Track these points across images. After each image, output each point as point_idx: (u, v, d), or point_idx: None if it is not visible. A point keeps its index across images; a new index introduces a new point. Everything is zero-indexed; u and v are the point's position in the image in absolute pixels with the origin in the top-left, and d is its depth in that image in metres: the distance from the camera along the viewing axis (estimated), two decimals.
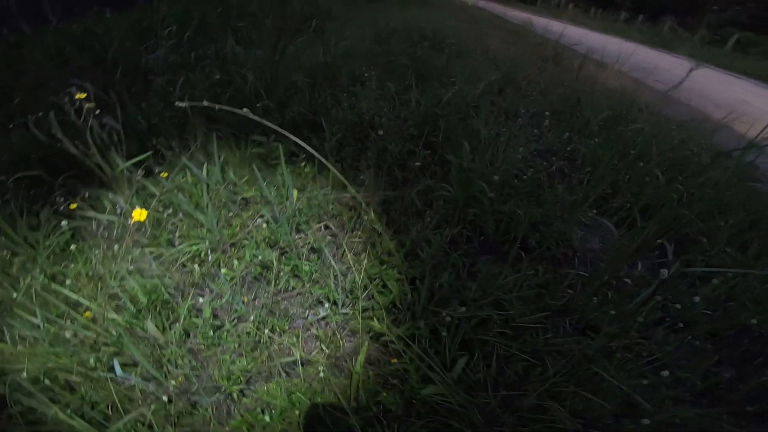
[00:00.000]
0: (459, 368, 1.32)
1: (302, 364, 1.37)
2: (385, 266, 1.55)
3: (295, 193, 1.69)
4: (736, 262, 1.68)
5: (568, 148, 2.17)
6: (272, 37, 3.36)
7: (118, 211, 1.76)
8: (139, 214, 1.27)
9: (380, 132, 2.05)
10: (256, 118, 1.21)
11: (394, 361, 1.34)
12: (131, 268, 1.56)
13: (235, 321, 1.51)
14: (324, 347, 1.45)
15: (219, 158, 1.85)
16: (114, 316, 1.39)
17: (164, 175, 1.75)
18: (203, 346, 1.42)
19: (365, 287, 1.56)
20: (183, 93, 1.87)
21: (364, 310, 1.52)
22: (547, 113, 2.52)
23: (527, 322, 1.34)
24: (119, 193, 1.82)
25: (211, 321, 1.47)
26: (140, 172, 1.78)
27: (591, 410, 1.16)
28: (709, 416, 1.15)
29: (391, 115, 2.28)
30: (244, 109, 1.25)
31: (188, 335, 1.44)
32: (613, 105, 3.17)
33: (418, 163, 1.90)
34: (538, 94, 3.18)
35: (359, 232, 1.67)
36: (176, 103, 1.26)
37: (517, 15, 13.81)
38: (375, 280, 1.55)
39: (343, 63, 3.21)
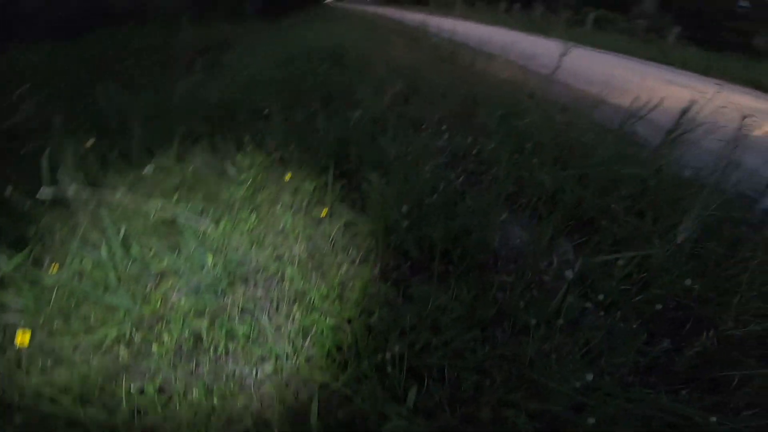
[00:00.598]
0: (412, 398, 1.29)
1: (263, 424, 1.28)
2: (318, 313, 1.47)
3: (209, 257, 1.54)
4: (638, 231, 1.82)
5: (474, 152, 2.25)
6: (162, 76, 3.08)
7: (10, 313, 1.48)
8: (22, 336, 1.07)
9: (290, 173, 1.96)
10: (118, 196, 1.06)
11: (341, 409, 1.27)
12: (49, 362, 1.35)
13: (183, 392, 1.37)
14: (277, 404, 1.35)
15: (119, 233, 1.63)
16: (47, 409, 1.21)
17: (54, 269, 1.50)
18: (157, 422, 1.26)
19: (304, 337, 1.47)
20: (53, 165, 1.60)
21: (308, 359, 1.44)
22: (451, 118, 2.61)
23: (465, 339, 1.35)
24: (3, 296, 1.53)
25: (157, 396, 1.32)
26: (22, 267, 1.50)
27: (547, 412, 1.19)
28: (654, 396, 1.20)
29: (301, 148, 2.19)
30: (123, 185, 1.10)
31: (137, 414, 1.27)
32: (505, 98, 3.37)
33: (333, 198, 1.83)
34: (440, 98, 3.28)
35: (287, 283, 1.57)
36: (38, 196, 1.07)
37: (414, 17, 14.23)
38: (312, 327, 1.47)
39: (244, 97, 3.04)
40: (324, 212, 1.81)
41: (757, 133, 4.41)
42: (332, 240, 1.74)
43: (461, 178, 1.93)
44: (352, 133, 2.23)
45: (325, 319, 1.50)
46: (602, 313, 1.41)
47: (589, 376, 1.11)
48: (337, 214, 1.84)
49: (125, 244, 1.62)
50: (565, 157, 2.28)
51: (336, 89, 3.18)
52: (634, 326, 1.35)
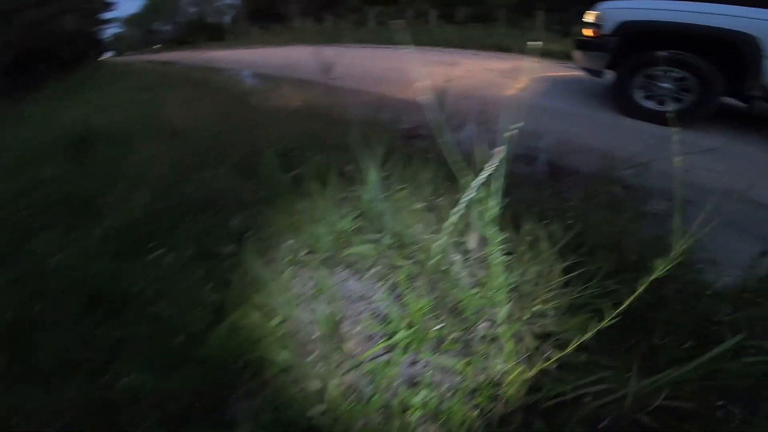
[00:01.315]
0: None
1: None
2: None
3: None
4: None
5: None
6: None
7: None
8: None
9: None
10: None
11: None
12: None
13: None
14: None
15: None
16: None
17: None
18: None
19: None
20: None
21: None
22: (231, 198, 2.24)
23: None
24: None
25: None
26: None
27: None
28: None
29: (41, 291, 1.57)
30: None
31: None
32: (295, 135, 3.14)
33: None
34: (222, 162, 2.84)
35: None
36: None
37: (207, 56, 13.11)
38: None
39: None
40: None
41: (513, 92, 5.25)
42: None
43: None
44: (102, 262, 1.69)
45: None
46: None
47: None
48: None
49: None
50: None
51: (90, 191, 2.46)
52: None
